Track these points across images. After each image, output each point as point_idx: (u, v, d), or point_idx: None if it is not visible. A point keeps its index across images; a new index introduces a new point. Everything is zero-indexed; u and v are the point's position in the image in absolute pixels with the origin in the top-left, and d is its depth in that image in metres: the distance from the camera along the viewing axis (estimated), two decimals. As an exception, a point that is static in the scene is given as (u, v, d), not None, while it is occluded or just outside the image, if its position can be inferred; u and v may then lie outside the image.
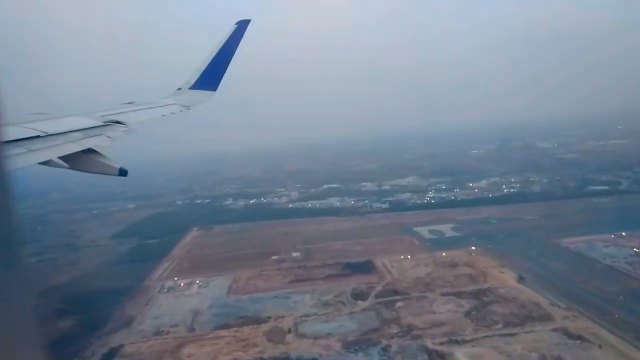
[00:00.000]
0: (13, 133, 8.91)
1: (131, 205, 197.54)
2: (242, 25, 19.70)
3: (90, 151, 10.06)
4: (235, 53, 19.53)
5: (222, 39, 19.44)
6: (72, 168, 9.54)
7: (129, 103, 16.04)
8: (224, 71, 19.33)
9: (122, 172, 10.01)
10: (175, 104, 17.07)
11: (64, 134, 10.22)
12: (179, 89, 19.25)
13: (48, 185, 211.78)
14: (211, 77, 19.18)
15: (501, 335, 56.49)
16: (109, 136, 11.28)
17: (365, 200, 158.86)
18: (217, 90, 19.37)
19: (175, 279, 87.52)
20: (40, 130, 9.59)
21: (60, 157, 9.13)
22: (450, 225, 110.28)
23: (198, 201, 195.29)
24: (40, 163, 8.56)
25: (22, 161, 8.05)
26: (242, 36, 19.51)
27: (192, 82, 19.21)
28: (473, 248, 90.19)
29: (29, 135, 9.17)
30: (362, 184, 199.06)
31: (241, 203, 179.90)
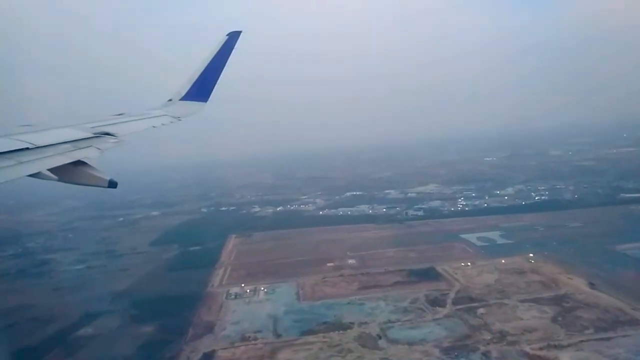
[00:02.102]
0: (1, 145, 9.00)
1: (155, 213, 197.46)
2: (233, 37, 19.91)
3: (79, 163, 9.98)
4: (227, 64, 19.54)
5: (213, 50, 19.63)
6: (61, 180, 9.26)
7: (119, 114, 15.91)
8: (215, 82, 19.47)
9: (112, 184, 9.79)
10: (165, 115, 16.99)
11: (53, 145, 10.15)
12: (170, 100, 19.33)
13: (57, 193, 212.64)
14: (202, 88, 19.25)
15: (597, 339, 57.73)
16: (98, 148, 11.17)
17: (396, 207, 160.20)
18: (207, 102, 19.45)
19: (242, 285, 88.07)
20: (29, 142, 9.59)
21: (49, 170, 8.90)
22: (498, 233, 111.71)
23: (223, 208, 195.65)
24: (29, 175, 8.40)
25: (11, 173, 8.03)
26: (233, 47, 19.72)
27: (183, 93, 19.28)
28: (531, 255, 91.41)
29: (18, 148, 9.19)
30: (386, 191, 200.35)
31: (269, 210, 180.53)
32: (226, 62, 19.45)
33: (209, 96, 19.40)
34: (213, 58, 19.38)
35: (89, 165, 10.06)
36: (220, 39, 20.00)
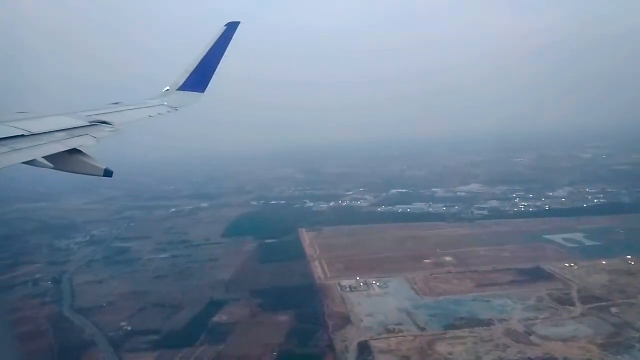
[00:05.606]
0: None
1: (204, 205, 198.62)
2: (232, 27, 20.10)
3: (75, 151, 9.97)
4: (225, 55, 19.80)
5: (211, 40, 19.76)
6: (56, 168, 9.29)
7: (116, 103, 15.99)
8: (213, 73, 19.64)
9: (108, 173, 9.82)
10: (162, 105, 17.05)
11: (48, 133, 10.16)
12: (167, 90, 19.37)
13: (86, 181, 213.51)
14: (200, 78, 19.42)
15: None
16: (94, 136, 11.16)
17: (455, 206, 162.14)
18: (205, 92, 19.74)
19: (357, 278, 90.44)
20: (24, 130, 9.60)
21: (44, 157, 8.95)
22: (581, 235, 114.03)
23: (273, 202, 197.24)
24: (24, 163, 8.44)
25: (6, 160, 8.06)
26: (231, 38, 19.88)
27: (180, 83, 19.40)
28: (629, 257, 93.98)
29: (13, 135, 9.21)
30: (433, 190, 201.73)
31: (323, 206, 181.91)
32: (224, 53, 19.74)
33: (206, 87, 19.72)
34: (211, 48, 19.60)
35: (85, 154, 10.13)
36: (219, 29, 20.30)
